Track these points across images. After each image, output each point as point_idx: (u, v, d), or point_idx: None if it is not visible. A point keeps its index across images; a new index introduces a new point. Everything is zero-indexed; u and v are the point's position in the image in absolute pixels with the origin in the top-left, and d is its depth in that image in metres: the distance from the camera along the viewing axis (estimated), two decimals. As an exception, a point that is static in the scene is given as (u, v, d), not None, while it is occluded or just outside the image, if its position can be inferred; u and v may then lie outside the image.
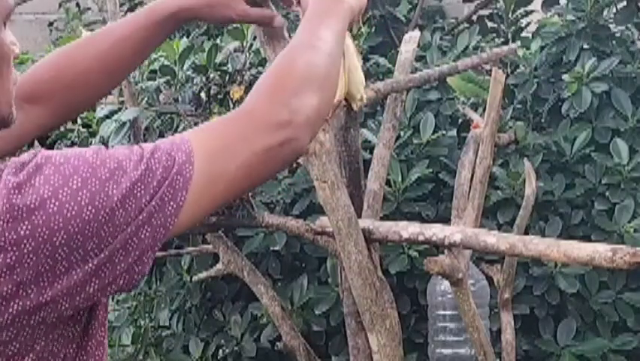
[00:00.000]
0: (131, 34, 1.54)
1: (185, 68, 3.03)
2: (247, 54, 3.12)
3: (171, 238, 1.17)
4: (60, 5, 4.80)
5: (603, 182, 3.07)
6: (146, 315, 3.55)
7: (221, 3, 1.54)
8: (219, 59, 3.10)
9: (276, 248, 3.14)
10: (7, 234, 1.06)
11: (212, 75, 3.12)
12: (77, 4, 4.81)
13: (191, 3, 1.54)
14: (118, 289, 1.14)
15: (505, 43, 3.47)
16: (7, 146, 1.41)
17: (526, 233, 2.73)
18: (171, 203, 1.13)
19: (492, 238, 2.23)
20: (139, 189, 1.11)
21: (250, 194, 2.98)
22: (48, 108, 1.50)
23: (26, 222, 1.06)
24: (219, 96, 3.24)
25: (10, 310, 1.07)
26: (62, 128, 3.21)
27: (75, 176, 1.09)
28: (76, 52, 1.54)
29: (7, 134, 1.33)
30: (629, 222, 2.99)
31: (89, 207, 1.08)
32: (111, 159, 1.12)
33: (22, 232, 1.06)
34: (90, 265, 1.09)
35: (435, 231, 2.31)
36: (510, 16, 3.61)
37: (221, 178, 1.18)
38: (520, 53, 3.25)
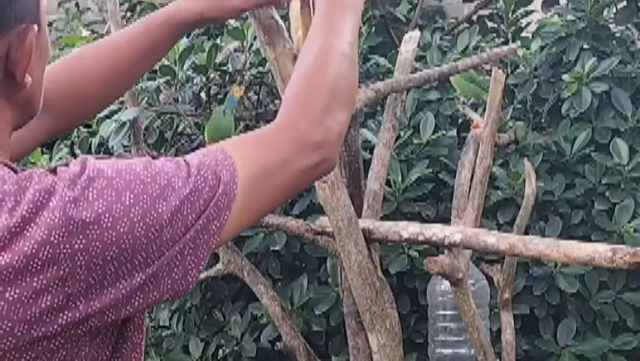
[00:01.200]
0: (131, 41, 1.54)
1: (185, 68, 3.03)
2: (247, 54, 3.12)
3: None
4: (60, 5, 4.81)
5: (603, 182, 3.07)
6: (146, 315, 3.54)
7: None
8: (219, 59, 3.10)
9: (276, 248, 3.14)
10: (61, 247, 1.07)
11: (212, 75, 3.12)
12: (77, 4, 4.82)
13: (193, 4, 1.54)
14: (161, 302, 1.15)
15: (505, 43, 3.47)
16: (19, 150, 1.40)
17: (526, 233, 2.73)
18: (215, 222, 1.15)
19: (492, 238, 2.23)
20: (186, 207, 1.13)
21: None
22: (55, 116, 1.50)
23: (81, 237, 1.07)
24: (219, 96, 3.24)
25: (60, 320, 1.08)
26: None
27: (127, 192, 1.10)
28: (78, 62, 1.54)
29: (19, 138, 1.33)
30: (629, 222, 2.99)
31: (140, 224, 1.09)
32: (161, 176, 1.13)
33: (76, 246, 1.07)
34: (137, 279, 1.10)
35: (435, 231, 2.31)
36: (510, 16, 3.61)
37: (260, 197, 1.19)
38: (520, 53, 3.25)
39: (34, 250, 1.07)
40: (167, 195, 1.12)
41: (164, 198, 1.11)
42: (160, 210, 1.11)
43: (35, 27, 1.15)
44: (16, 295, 1.07)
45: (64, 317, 1.08)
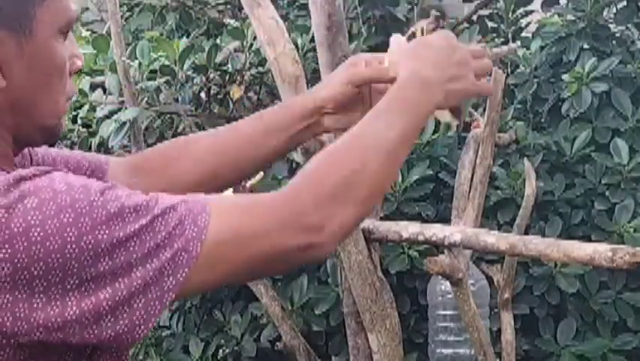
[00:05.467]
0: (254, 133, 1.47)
1: (185, 68, 3.03)
2: (247, 54, 3.12)
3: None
4: (60, 5, 4.80)
5: (603, 182, 3.07)
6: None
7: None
8: (219, 59, 3.10)
9: (276, 248, 3.13)
10: None
11: (212, 75, 3.12)
12: (77, 4, 4.82)
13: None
14: (104, 346, 1.09)
15: (505, 43, 3.47)
16: None
17: (526, 233, 2.73)
18: (171, 278, 1.08)
19: (492, 238, 2.23)
20: (133, 243, 1.06)
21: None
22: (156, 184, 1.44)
23: (7, 246, 1.04)
24: (219, 96, 3.24)
25: None
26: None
27: (69, 210, 1.05)
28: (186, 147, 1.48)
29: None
30: (629, 222, 2.99)
31: (73, 246, 1.04)
32: (114, 204, 1.07)
33: (0, 255, 1.04)
34: (70, 309, 1.05)
35: (435, 231, 2.32)
36: (510, 16, 3.60)
37: (230, 262, 1.11)
38: (520, 53, 3.25)
39: None
40: (113, 225, 1.06)
41: (109, 226, 1.06)
42: (100, 237, 1.05)
43: None
44: None
45: None
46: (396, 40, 1.43)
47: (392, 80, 1.35)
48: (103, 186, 1.08)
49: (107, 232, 1.05)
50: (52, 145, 1.29)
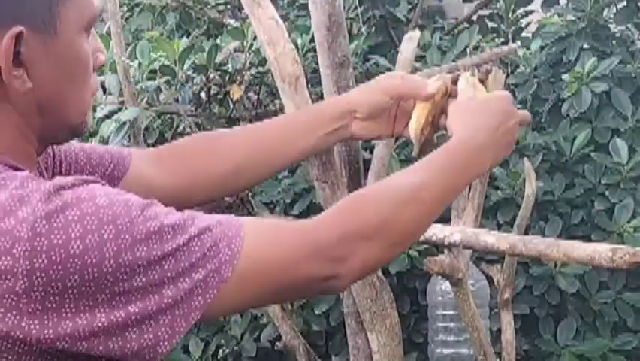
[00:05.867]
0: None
1: (185, 67, 3.02)
2: (247, 54, 3.12)
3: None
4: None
5: (603, 182, 3.07)
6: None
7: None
8: (219, 58, 3.10)
9: (276, 248, 3.13)
10: (21, 262, 1.03)
11: (212, 75, 3.12)
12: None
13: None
14: (126, 359, 1.09)
15: (505, 43, 3.47)
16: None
17: (526, 233, 2.73)
18: (199, 298, 1.09)
19: (492, 238, 2.23)
20: (168, 262, 1.07)
21: (250, 194, 2.98)
22: (175, 178, 1.47)
23: (44, 256, 1.03)
24: (219, 96, 3.24)
25: (12, 333, 1.04)
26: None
27: (111, 226, 1.05)
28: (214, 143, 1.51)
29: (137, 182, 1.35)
30: (629, 221, 2.99)
31: (111, 261, 1.04)
32: (155, 221, 1.07)
33: (36, 265, 1.03)
34: (99, 321, 1.06)
35: (435, 231, 2.31)
36: (510, 16, 3.61)
37: (255, 289, 1.13)
38: (520, 53, 3.25)
39: None
40: (152, 243, 1.06)
41: (147, 244, 1.06)
42: (138, 254, 1.06)
43: (18, 29, 1.11)
44: None
45: (15, 335, 1.05)
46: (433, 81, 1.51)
47: (427, 98, 1.45)
48: (143, 203, 1.09)
49: (145, 249, 1.06)
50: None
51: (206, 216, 1.13)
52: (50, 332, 1.05)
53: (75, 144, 1.39)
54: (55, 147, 1.34)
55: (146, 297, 1.07)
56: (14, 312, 1.04)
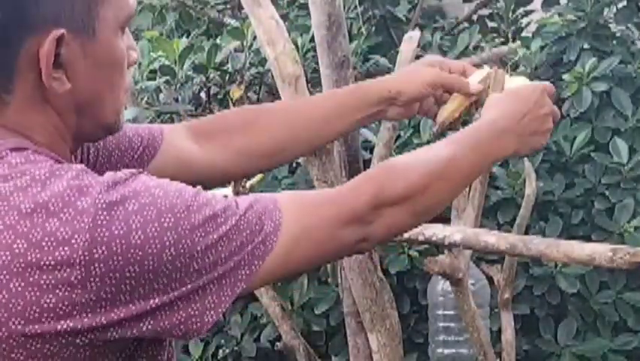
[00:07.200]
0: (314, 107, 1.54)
1: (185, 67, 3.03)
2: (247, 54, 3.12)
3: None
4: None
5: (603, 182, 3.07)
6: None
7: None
8: (219, 58, 3.10)
9: (276, 248, 3.12)
10: (80, 252, 1.04)
11: (212, 75, 3.12)
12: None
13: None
14: (171, 337, 1.12)
15: (505, 43, 3.47)
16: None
17: (526, 233, 2.73)
18: (246, 269, 1.13)
19: (492, 238, 2.23)
20: (223, 243, 1.11)
21: (249, 193, 2.97)
22: (224, 152, 1.48)
23: (104, 248, 1.04)
24: (219, 96, 3.25)
25: (59, 326, 1.05)
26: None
27: (169, 215, 1.07)
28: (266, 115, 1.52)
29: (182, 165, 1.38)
30: (629, 221, 2.99)
31: (172, 250, 1.07)
32: (208, 207, 1.10)
33: (96, 255, 1.04)
34: (151, 303, 1.08)
35: (435, 231, 2.31)
36: (510, 16, 3.60)
37: (296, 256, 1.17)
38: (520, 52, 3.24)
39: (51, 247, 1.04)
40: (208, 227, 1.09)
41: (205, 229, 1.09)
42: (196, 240, 1.08)
43: (60, 31, 1.11)
44: (20, 288, 1.04)
45: (64, 324, 1.05)
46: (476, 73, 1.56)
47: (467, 96, 1.50)
48: (194, 190, 1.11)
49: (202, 234, 1.09)
50: None
51: (243, 197, 1.17)
52: (102, 319, 1.06)
53: None
54: None
55: (200, 277, 1.09)
56: (66, 302, 1.04)
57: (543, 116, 1.42)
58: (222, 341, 3.27)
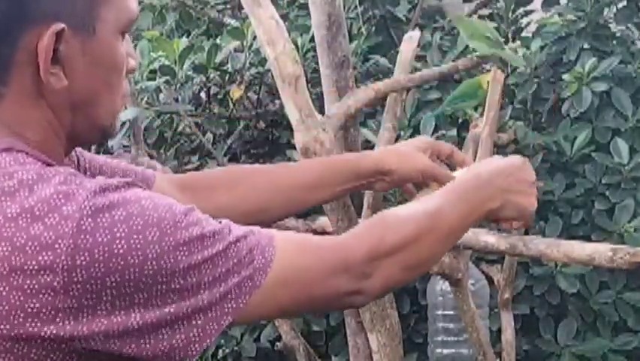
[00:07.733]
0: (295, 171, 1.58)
1: (185, 67, 3.02)
2: (247, 54, 3.12)
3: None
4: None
5: (603, 182, 3.07)
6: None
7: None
8: (219, 58, 3.10)
9: (276, 248, 3.12)
10: (62, 258, 1.04)
11: (212, 75, 3.12)
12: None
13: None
14: (156, 359, 1.11)
15: (505, 43, 3.47)
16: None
17: (526, 233, 2.73)
18: (232, 302, 1.12)
19: (492, 238, 2.23)
20: (207, 266, 1.09)
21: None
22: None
23: (86, 254, 1.04)
24: (219, 96, 3.24)
25: (42, 333, 1.05)
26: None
27: (155, 228, 1.07)
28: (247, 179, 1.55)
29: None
30: (629, 221, 2.99)
31: (153, 263, 1.06)
32: (196, 227, 1.10)
33: (78, 262, 1.04)
34: (134, 319, 1.07)
35: (435, 231, 2.31)
36: (510, 16, 3.60)
37: (284, 297, 1.16)
38: (521, 52, 3.24)
39: (34, 252, 1.04)
40: (193, 248, 1.09)
41: (189, 248, 1.08)
42: (179, 258, 1.07)
43: (60, 26, 1.12)
44: (5, 292, 1.04)
45: (48, 330, 1.05)
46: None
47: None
48: (185, 208, 1.11)
49: (186, 253, 1.08)
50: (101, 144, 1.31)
51: (239, 225, 1.15)
52: (84, 329, 1.05)
53: (99, 157, 1.41)
54: (80, 154, 1.36)
55: (181, 300, 1.08)
56: (49, 307, 1.04)
57: (527, 181, 1.43)
58: (222, 341, 3.27)
